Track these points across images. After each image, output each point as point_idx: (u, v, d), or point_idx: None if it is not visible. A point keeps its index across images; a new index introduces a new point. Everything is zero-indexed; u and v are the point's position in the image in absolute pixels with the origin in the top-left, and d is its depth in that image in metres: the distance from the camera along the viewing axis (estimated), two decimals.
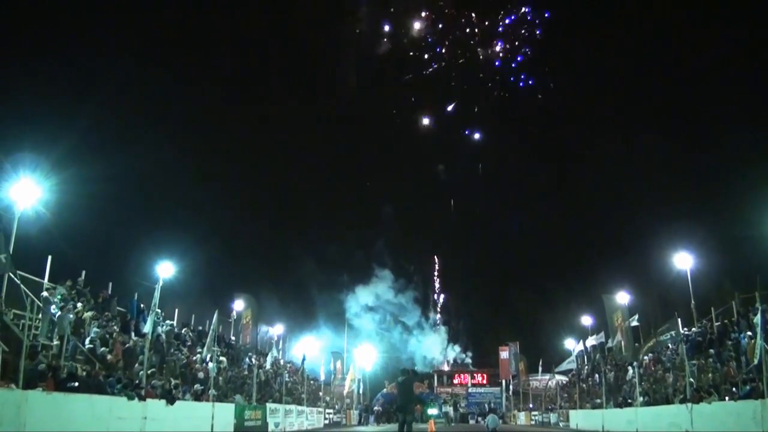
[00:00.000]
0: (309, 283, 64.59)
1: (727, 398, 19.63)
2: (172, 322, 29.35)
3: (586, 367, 45.68)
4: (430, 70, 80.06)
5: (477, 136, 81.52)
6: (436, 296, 79.43)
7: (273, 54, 71.81)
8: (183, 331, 29.51)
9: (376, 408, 52.01)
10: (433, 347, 71.17)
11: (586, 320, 46.23)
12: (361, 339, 61.03)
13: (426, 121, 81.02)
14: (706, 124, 55.42)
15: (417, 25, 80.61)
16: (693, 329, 28.30)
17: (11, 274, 15.27)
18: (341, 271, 69.38)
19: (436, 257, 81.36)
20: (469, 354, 70.45)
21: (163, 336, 25.42)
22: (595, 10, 68.93)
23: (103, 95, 42.63)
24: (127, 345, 21.67)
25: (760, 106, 47.76)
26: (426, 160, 79.45)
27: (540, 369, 55.19)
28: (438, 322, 75.93)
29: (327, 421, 40.80)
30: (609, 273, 47.44)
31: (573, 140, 71.90)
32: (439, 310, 78.41)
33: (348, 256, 69.14)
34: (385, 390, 57.38)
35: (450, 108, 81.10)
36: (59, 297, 19.49)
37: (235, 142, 65.47)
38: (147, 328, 20.62)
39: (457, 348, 71.38)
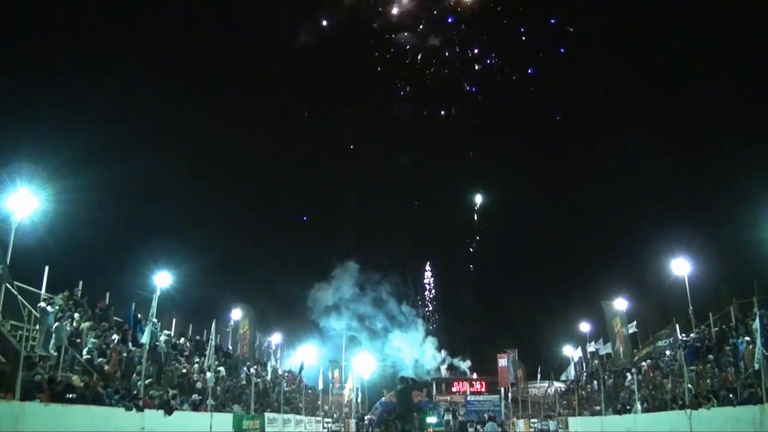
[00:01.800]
0: (305, 292, 64.25)
1: (725, 404, 19.61)
2: (169, 332, 29.33)
3: (585, 373, 45.66)
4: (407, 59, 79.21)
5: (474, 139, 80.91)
6: (421, 295, 78.38)
7: (257, 58, 71.46)
8: (181, 341, 29.48)
9: (368, 417, 51.63)
10: (415, 349, 69.16)
11: (585, 327, 46.23)
12: (350, 344, 60.16)
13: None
14: (703, 131, 55.48)
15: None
16: (691, 335, 28.29)
17: (8, 285, 15.25)
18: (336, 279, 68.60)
19: (429, 264, 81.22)
20: (444, 352, 69.07)
21: (162, 346, 25.37)
22: (596, 11, 68.99)
23: (100, 106, 42.73)
24: (124, 355, 21.63)
25: (758, 112, 47.87)
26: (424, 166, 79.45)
27: (539, 376, 55.14)
28: (418, 314, 73.16)
29: (325, 430, 40.70)
30: (607, 279, 47.55)
31: (570, 145, 72.07)
32: (430, 314, 77.77)
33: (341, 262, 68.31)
34: (383, 398, 57.18)
35: (442, 112, 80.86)
36: (57, 308, 19.48)
37: (232, 151, 65.58)
38: (144, 338, 20.59)
39: (433, 340, 69.94)
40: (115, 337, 22.42)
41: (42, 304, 18.59)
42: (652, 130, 61.22)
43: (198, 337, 31.89)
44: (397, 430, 16.89)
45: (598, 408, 34.42)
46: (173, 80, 57.20)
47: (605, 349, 40.90)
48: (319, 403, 44.62)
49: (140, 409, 17.16)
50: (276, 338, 45.78)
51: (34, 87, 40.22)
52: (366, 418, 50.81)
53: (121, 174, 38.93)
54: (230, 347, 36.45)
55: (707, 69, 55.74)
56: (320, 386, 44.60)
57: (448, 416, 54.30)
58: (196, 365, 27.61)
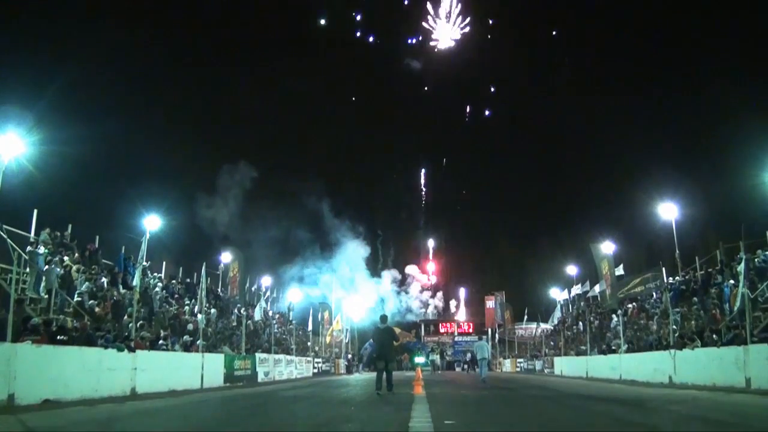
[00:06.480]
0: (295, 233, 63.72)
1: (709, 345, 19.91)
2: (159, 274, 29.43)
3: (571, 315, 46.27)
4: None
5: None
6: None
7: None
8: (172, 283, 29.61)
9: (349, 356, 52.26)
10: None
11: (572, 270, 46.68)
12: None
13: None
14: (690, 74, 55.20)
15: None
16: (677, 278, 28.60)
17: None
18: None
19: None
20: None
21: (157, 290, 25.49)
22: None
23: (88, 51, 42.00)
24: (115, 298, 21.72)
25: (744, 56, 47.55)
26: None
27: (525, 318, 55.88)
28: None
29: (316, 370, 41.27)
30: (595, 223, 47.93)
31: (557, 90, 71.50)
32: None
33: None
34: (372, 339, 57.69)
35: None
36: (46, 251, 19.45)
37: (219, 94, 64.86)
38: (135, 281, 20.65)
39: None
40: (105, 280, 22.49)
41: (30, 247, 18.56)
42: (640, 74, 60.90)
43: (188, 280, 32.02)
44: (377, 368, 16.60)
45: (583, 348, 35.01)
46: (165, 28, 56.35)
47: (592, 292, 41.39)
48: (309, 344, 45.12)
49: (132, 349, 17.28)
50: (267, 281, 46.01)
51: (22, 30, 39.44)
52: (351, 355, 51.81)
53: (111, 117, 38.53)
54: (221, 290, 36.64)
55: (694, 11, 55.16)
56: (309, 327, 45.03)
57: (434, 356, 55.43)
58: (187, 307, 27.81)
